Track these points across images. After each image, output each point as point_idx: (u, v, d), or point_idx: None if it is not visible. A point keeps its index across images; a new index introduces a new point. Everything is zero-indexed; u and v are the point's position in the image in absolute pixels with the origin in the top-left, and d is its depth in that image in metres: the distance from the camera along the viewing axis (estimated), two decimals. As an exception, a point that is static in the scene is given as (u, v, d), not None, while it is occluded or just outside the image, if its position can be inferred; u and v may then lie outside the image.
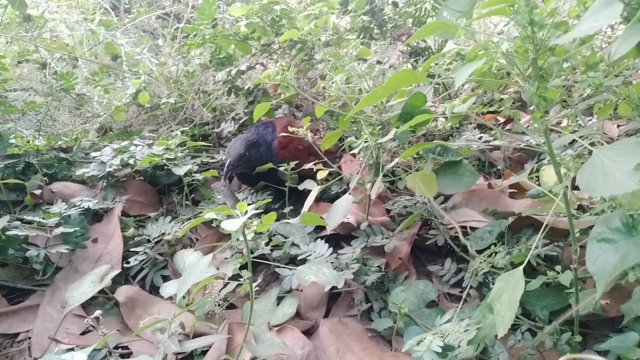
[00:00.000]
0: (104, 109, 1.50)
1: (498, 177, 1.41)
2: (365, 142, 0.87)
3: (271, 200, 1.31)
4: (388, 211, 1.22)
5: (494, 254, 0.74)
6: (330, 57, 1.07)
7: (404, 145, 1.07)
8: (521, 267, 0.59)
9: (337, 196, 1.31)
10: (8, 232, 0.87)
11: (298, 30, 0.98)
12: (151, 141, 1.27)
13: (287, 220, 0.90)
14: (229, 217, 0.68)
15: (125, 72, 1.41)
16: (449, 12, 1.12)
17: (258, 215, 0.84)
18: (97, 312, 0.68)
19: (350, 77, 1.04)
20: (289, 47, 1.40)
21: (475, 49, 0.56)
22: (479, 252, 0.85)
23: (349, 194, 0.92)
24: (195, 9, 2.11)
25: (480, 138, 1.40)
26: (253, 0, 1.45)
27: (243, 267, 0.89)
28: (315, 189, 0.91)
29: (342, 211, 0.84)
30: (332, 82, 1.03)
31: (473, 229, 1.03)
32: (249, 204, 1.20)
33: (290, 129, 1.05)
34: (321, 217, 0.94)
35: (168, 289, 0.90)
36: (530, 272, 0.87)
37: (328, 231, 1.12)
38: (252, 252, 0.96)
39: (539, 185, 0.95)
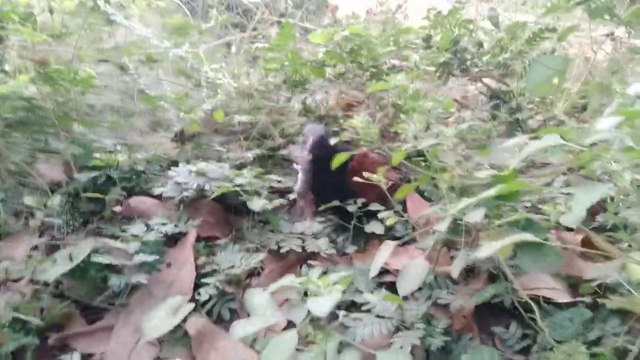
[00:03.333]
0: (179, 119, 1.53)
1: (568, 229, 1.36)
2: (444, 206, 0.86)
3: (332, 229, 1.33)
4: (452, 258, 1.21)
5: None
6: (409, 101, 1.05)
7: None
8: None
9: (402, 238, 1.31)
10: (93, 259, 0.92)
11: (386, 82, 0.97)
12: (223, 163, 1.29)
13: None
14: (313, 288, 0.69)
15: (203, 88, 1.44)
16: (543, 69, 1.09)
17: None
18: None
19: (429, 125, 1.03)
20: (367, 78, 1.39)
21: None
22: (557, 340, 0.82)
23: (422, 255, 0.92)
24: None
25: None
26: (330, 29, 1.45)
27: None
28: (386, 249, 0.90)
29: (416, 279, 0.83)
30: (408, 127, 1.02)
31: (547, 300, 1.00)
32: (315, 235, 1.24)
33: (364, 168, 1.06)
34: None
35: (237, 329, 0.92)
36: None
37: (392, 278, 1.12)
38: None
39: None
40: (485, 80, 1.38)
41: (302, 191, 1.31)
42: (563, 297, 1.01)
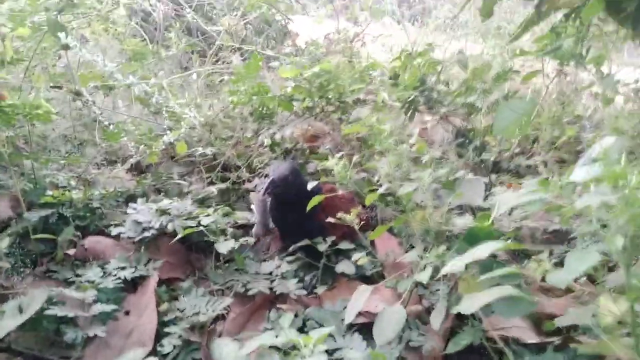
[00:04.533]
0: (137, 151, 1.47)
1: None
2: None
3: (299, 267, 1.30)
4: (420, 297, 1.20)
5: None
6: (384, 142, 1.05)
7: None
8: None
9: (371, 276, 1.29)
10: (47, 312, 0.84)
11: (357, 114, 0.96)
12: (185, 199, 1.24)
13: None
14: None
15: (165, 119, 1.38)
16: (511, 113, 1.11)
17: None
18: None
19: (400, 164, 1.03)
20: (333, 110, 1.39)
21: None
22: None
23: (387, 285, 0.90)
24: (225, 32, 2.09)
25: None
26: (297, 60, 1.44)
27: None
28: (361, 295, 0.88)
29: (394, 327, 0.81)
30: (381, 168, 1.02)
31: (515, 340, 1.01)
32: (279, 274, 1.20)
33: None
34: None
35: (205, 385, 0.87)
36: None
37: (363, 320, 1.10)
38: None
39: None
40: (451, 118, 1.40)
41: (259, 233, 1.30)
42: (531, 337, 1.01)
